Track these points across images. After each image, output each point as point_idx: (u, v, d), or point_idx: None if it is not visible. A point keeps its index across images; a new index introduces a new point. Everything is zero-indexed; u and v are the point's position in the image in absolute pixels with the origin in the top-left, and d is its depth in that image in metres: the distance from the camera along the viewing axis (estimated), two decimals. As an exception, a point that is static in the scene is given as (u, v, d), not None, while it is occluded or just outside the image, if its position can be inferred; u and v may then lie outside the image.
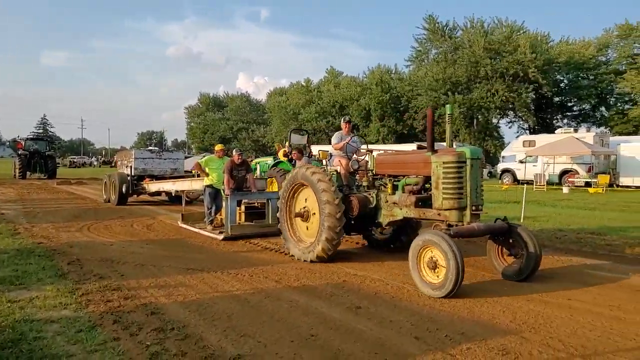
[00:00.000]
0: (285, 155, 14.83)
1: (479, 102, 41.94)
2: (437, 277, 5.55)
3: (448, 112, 6.32)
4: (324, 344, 4.21)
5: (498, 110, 44.34)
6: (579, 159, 26.71)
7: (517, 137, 39.78)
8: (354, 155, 8.26)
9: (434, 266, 5.56)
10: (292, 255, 7.75)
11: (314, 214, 7.55)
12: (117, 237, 9.92)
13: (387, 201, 7.03)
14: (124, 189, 16.08)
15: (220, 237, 9.46)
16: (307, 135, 16.43)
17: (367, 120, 50.06)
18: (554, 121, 47.66)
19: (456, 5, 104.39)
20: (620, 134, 39.22)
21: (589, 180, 25.00)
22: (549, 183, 26.62)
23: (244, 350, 4.03)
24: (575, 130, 30.99)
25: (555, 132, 32.08)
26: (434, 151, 6.28)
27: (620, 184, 25.19)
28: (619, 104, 45.72)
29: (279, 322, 4.76)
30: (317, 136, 53.34)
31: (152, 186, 16.22)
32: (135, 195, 16.93)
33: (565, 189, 23.75)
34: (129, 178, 16.34)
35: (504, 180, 30.01)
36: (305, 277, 6.61)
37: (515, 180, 29.27)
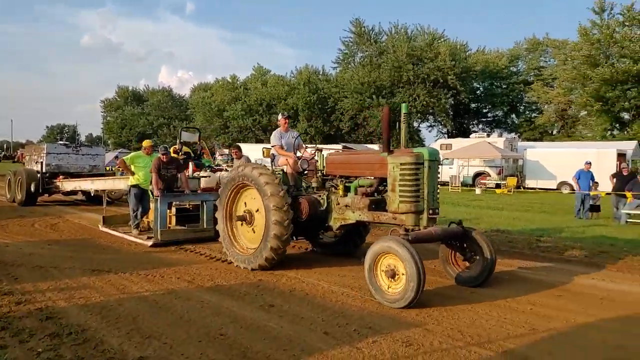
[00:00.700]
0: (175, 152, 14.58)
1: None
2: (397, 286, 5.21)
3: (404, 111, 6.07)
4: (233, 342, 4.16)
5: (419, 115, 46.16)
6: (491, 162, 28.40)
7: (436, 140, 41.69)
8: (299, 154, 7.75)
9: (392, 274, 5.21)
10: (231, 263, 7.13)
11: (259, 217, 6.94)
12: (14, 238, 9.23)
13: (338, 203, 6.60)
14: (32, 188, 14.49)
15: (149, 243, 8.59)
16: (199, 134, 16.10)
17: (294, 120, 49.99)
18: (470, 126, 50.40)
19: (382, 11, 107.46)
20: (528, 139, 42.20)
21: (499, 182, 26.68)
22: (464, 184, 28.10)
23: (147, 353, 3.89)
24: (488, 135, 33.02)
25: (470, 136, 33.91)
26: (390, 151, 5.92)
27: (526, 186, 27.07)
28: (527, 112, 49.28)
29: (188, 323, 4.65)
30: (244, 134, 52.66)
31: (67, 184, 14.67)
32: (47, 195, 15.37)
33: (477, 190, 25.20)
34: (39, 175, 14.78)
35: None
36: (219, 277, 6.50)
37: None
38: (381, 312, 5.09)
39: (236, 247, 7.21)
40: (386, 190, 6.07)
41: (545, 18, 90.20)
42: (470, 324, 4.74)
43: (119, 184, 12.14)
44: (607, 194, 14.83)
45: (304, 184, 7.41)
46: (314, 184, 7.12)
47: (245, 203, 7.26)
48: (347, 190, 6.62)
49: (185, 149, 14.53)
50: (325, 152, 7.32)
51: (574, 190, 14.91)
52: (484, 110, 51.46)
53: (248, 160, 9.88)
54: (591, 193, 14.31)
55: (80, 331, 4.32)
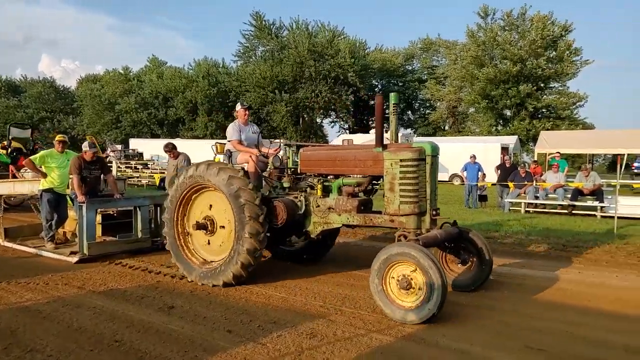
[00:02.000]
0: (3, 148, 13.54)
1: (304, 102, 43.87)
2: (411, 298, 4.58)
3: (393, 102, 5.57)
4: (129, 348, 3.93)
5: (322, 111, 46.97)
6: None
7: (338, 136, 42.68)
8: (262, 149, 6.76)
9: (406, 285, 4.57)
10: (185, 278, 6.09)
11: (222, 225, 6.01)
12: None
13: (318, 206, 5.82)
14: None
15: (74, 259, 7.10)
16: (30, 130, 15.03)
17: (193, 114, 48.56)
18: (370, 122, 52.26)
19: (282, 6, 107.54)
20: (423, 135, 44.75)
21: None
22: (364, 178, 29.07)
23: (29, 367, 3.54)
24: (386, 131, 34.34)
25: (370, 132, 35.18)
26: (384, 146, 5.32)
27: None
28: (422, 109, 52.23)
29: (78, 332, 4.31)
30: (138, 129, 50.01)
31: None
32: None
33: (377, 184, 26.18)
34: None
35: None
36: (113, 281, 6.10)
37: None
38: (285, 306, 5.09)
39: (191, 259, 6.14)
40: (373, 190, 5.71)
41: (437, 19, 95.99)
42: (372, 312, 4.88)
43: (20, 187, 10.09)
44: (493, 184, 16.16)
45: (267, 185, 6.54)
46: (286, 184, 6.27)
47: (205, 208, 6.17)
48: (325, 190, 5.92)
49: (15, 144, 13.58)
50: (287, 148, 6.65)
51: (463, 181, 16.03)
52: (383, 107, 53.59)
53: (187, 158, 9.07)
54: (478, 184, 15.48)
55: (-54, 350, 3.83)
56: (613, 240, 8.40)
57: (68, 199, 7.96)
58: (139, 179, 24.23)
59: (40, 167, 7.82)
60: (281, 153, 6.75)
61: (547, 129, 31.55)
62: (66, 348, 3.91)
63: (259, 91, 44.06)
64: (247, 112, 6.88)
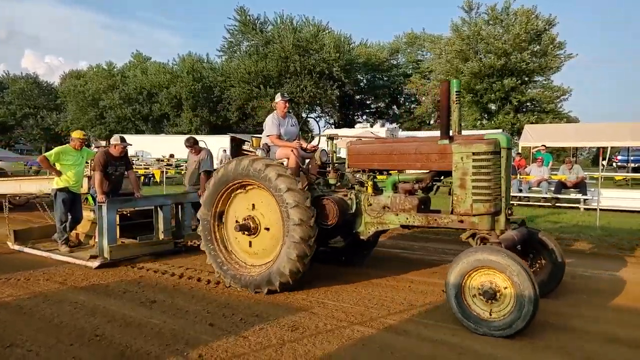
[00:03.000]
0: None
1: (290, 97, 43.71)
2: (499, 310, 4.08)
3: (456, 89, 5.01)
4: (110, 343, 3.93)
5: (307, 105, 46.86)
6: (375, 151, 29.71)
7: (324, 130, 42.67)
8: (302, 144, 6.25)
9: (491, 296, 4.08)
10: (230, 285, 5.54)
11: (267, 227, 5.48)
12: None
13: (370, 204, 5.35)
14: None
15: (95, 264, 6.50)
16: None
17: (178, 110, 48.14)
18: (355, 117, 52.31)
19: (267, 0, 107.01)
20: (408, 129, 44.92)
21: (382, 169, 28.03)
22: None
23: (8, 363, 3.52)
24: (372, 126, 34.58)
25: (355, 127, 35.24)
26: (450, 138, 4.83)
27: (407, 173, 28.76)
28: (407, 103, 52.40)
29: (58, 327, 4.29)
30: (123, 125, 49.48)
31: None
32: None
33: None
34: None
35: (311, 171, 31.92)
36: (95, 277, 6.06)
37: (321, 170, 31.35)
38: (268, 299, 5.11)
39: (229, 263, 5.63)
40: (432, 187, 5.22)
41: (421, 14, 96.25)
42: (354, 304, 4.94)
43: (27, 186, 9.48)
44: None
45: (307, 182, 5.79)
46: (332, 181, 5.78)
47: (247, 207, 5.64)
48: (376, 187, 5.49)
49: None
50: (337, 141, 6.04)
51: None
52: (368, 102, 53.70)
53: (210, 154, 8.41)
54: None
55: None
56: (595, 232, 8.57)
57: (90, 197, 7.37)
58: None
59: (54, 164, 7.30)
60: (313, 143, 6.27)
61: (532, 123, 31.87)
62: (46, 343, 3.90)
63: (244, 86, 43.81)
64: (287, 104, 6.40)
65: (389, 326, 4.32)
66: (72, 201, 7.39)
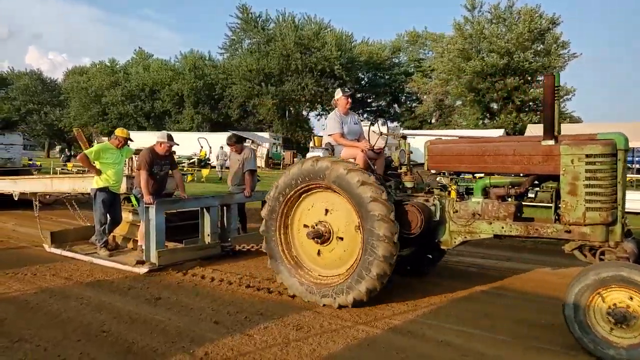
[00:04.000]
0: None
1: (291, 95, 43.74)
2: (634, 335, 3.60)
3: (557, 84, 4.44)
4: (117, 339, 3.97)
5: (308, 103, 46.88)
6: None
7: (324, 129, 42.70)
8: (376, 141, 5.61)
9: (623, 318, 3.61)
10: (293, 295, 5.12)
11: (340, 236, 5.00)
12: None
13: (456, 211, 4.83)
14: None
15: (142, 269, 6.09)
16: None
17: (180, 107, 48.24)
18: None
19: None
20: (409, 128, 44.89)
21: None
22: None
23: (16, 357, 3.58)
24: (372, 124, 34.44)
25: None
26: (555, 138, 4.32)
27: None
28: (408, 102, 52.35)
29: (65, 322, 4.33)
30: (125, 121, 49.52)
31: None
32: None
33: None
34: None
35: (313, 169, 32.01)
36: (100, 272, 6.11)
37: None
38: (272, 298, 5.14)
39: (298, 272, 5.18)
40: (525, 193, 4.72)
41: (424, 12, 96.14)
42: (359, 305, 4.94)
43: (59, 184, 8.91)
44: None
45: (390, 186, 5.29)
46: (408, 184, 5.29)
47: (318, 212, 5.14)
48: (459, 192, 4.97)
49: None
50: (411, 140, 5.48)
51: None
52: (369, 100, 53.67)
53: (253, 152, 8.02)
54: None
55: None
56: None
57: (133, 198, 6.94)
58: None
59: (94, 163, 6.92)
60: (381, 143, 5.66)
61: (535, 123, 31.84)
62: (54, 338, 3.94)
63: (245, 84, 43.83)
64: (349, 101, 5.87)
65: (394, 327, 4.33)
66: (112, 202, 7.03)
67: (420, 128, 44.73)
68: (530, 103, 37.69)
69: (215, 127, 44.64)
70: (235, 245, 6.93)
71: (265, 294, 5.23)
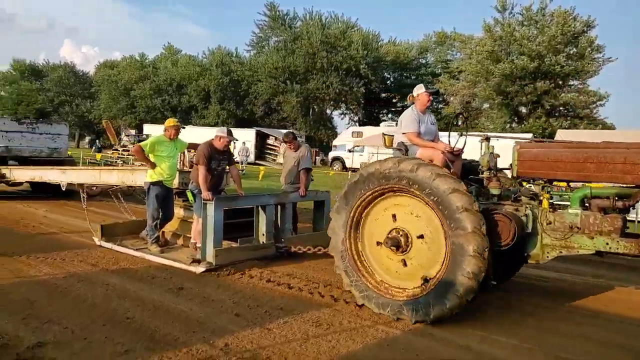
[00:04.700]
0: None
1: (315, 93, 43.83)
2: None
3: None
4: (140, 326, 4.06)
5: (332, 102, 46.90)
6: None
7: (348, 128, 42.65)
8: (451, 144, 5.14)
9: None
10: (362, 304, 4.72)
11: (419, 246, 4.53)
12: None
13: (550, 222, 4.40)
14: None
15: (199, 269, 5.85)
16: None
17: (206, 102, 48.82)
18: (380, 115, 52.08)
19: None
20: (434, 129, 44.53)
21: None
22: (374, 171, 29.08)
23: (46, 338, 3.70)
24: (397, 124, 34.33)
25: (380, 125, 35.12)
26: None
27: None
28: (435, 103, 51.84)
29: (92, 307, 4.46)
30: (152, 114, 50.39)
31: (21, 174, 11.07)
32: None
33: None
34: None
35: (334, 168, 32.04)
36: (125, 260, 6.25)
37: (344, 167, 31.39)
38: (292, 294, 5.17)
39: (368, 280, 4.77)
40: (629, 207, 4.30)
41: (453, 13, 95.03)
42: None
43: (107, 176, 8.85)
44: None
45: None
46: (495, 191, 4.77)
47: (390, 216, 4.70)
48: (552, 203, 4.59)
49: None
50: (494, 142, 5.03)
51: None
52: (394, 100, 53.35)
53: (309, 150, 7.58)
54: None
55: (-32, 318, 4.00)
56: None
57: (189, 194, 6.65)
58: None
59: (148, 155, 6.71)
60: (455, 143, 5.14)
61: (565, 128, 31.16)
62: (81, 322, 4.06)
63: (271, 81, 44.09)
64: (430, 99, 5.42)
65: (415, 328, 4.30)
66: (165, 196, 6.80)
67: (447, 130, 44.17)
68: (561, 108, 36.92)
69: (240, 123, 45.01)
70: (290, 247, 6.54)
71: (285, 289, 5.27)
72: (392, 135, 5.67)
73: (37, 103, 61.24)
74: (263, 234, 6.58)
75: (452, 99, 46.98)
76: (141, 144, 6.90)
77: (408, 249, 4.57)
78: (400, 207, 4.66)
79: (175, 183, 7.02)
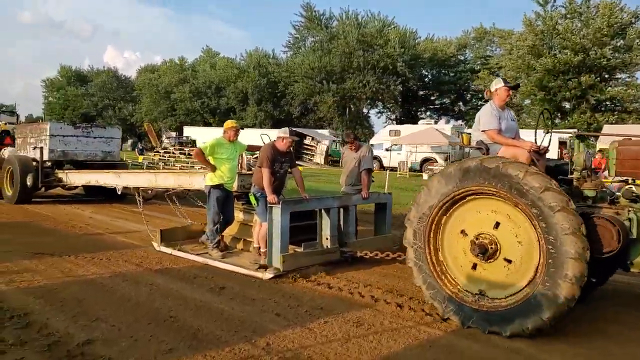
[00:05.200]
0: None
1: (352, 92, 43.75)
2: None
3: None
4: (183, 324, 4.13)
5: (369, 101, 46.72)
6: (438, 149, 29.17)
7: (385, 126, 42.35)
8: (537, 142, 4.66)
9: None
10: (446, 317, 4.36)
11: (508, 258, 4.17)
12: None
13: None
14: (29, 181, 11.14)
15: (267, 275, 5.65)
16: (16, 117, 17.83)
17: (244, 104, 49.58)
18: (418, 113, 51.49)
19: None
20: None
21: (446, 168, 27.57)
22: (412, 170, 28.75)
23: (94, 335, 3.80)
24: (436, 122, 33.91)
25: (418, 123, 34.70)
26: None
27: (471, 172, 28.03)
28: (474, 100, 50.85)
29: (137, 306, 4.56)
30: (192, 117, 51.55)
31: (77, 178, 11.20)
32: (44, 189, 11.86)
33: (425, 176, 25.83)
34: (36, 165, 11.30)
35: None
36: (168, 260, 6.38)
37: (382, 167, 31.15)
38: (332, 294, 5.15)
39: (445, 285, 4.46)
40: None
41: (492, 8, 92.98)
42: (419, 304, 4.80)
43: (163, 180, 8.57)
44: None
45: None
46: (589, 193, 4.37)
47: (482, 223, 4.33)
48: None
49: (3, 126, 14.98)
50: (574, 141, 4.71)
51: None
52: (432, 98, 52.66)
53: (371, 150, 7.36)
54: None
55: (23, 315, 4.17)
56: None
57: (252, 197, 6.21)
58: (192, 165, 25.03)
59: (208, 158, 6.55)
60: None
61: (611, 123, 29.95)
62: (126, 320, 4.16)
63: (307, 81, 44.30)
64: (509, 93, 5.03)
65: (456, 329, 4.22)
66: (225, 200, 6.63)
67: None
68: (607, 102, 35.52)
69: (277, 123, 45.43)
70: (356, 251, 6.30)
71: (325, 289, 5.26)
72: (469, 134, 5.30)
73: (83, 108, 63.84)
74: (327, 238, 6.30)
75: (491, 95, 45.80)
76: (201, 146, 6.77)
77: (497, 257, 4.23)
78: (486, 212, 4.32)
79: (235, 186, 6.86)
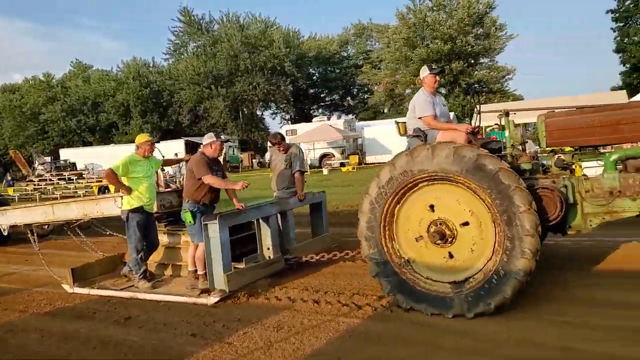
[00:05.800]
0: None
1: (242, 95, 43.28)
2: None
3: None
4: (88, 366, 3.69)
5: (261, 103, 46.53)
6: (334, 144, 29.93)
7: (281, 127, 42.47)
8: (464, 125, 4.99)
9: None
10: (408, 307, 4.31)
11: (466, 235, 4.23)
12: None
13: (587, 190, 4.25)
14: None
15: (211, 299, 5.06)
16: None
17: (126, 117, 46.69)
18: (311, 111, 52.35)
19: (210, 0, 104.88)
20: (364, 119, 45.30)
21: (343, 161, 28.31)
22: (311, 167, 29.11)
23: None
24: (328, 119, 34.74)
25: (312, 120, 35.25)
26: None
27: (367, 162, 29.07)
28: (361, 94, 52.84)
29: (34, 355, 4.03)
30: (68, 138, 47.44)
31: None
32: None
33: (325, 171, 26.30)
34: None
35: (272, 168, 31.87)
36: (60, 299, 5.70)
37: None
38: (248, 302, 4.97)
39: (411, 279, 4.39)
40: None
41: (367, 4, 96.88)
42: (335, 296, 4.84)
43: (64, 212, 6.65)
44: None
45: None
46: (526, 166, 4.54)
47: (427, 208, 4.37)
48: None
49: None
50: (502, 118, 4.84)
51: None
52: (322, 95, 53.86)
53: (301, 150, 7.00)
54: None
55: None
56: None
57: (187, 215, 5.46)
58: (75, 190, 22.99)
59: (122, 178, 5.77)
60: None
61: (482, 103, 32.59)
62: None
63: (194, 88, 43.03)
64: (437, 79, 5.18)
65: (373, 315, 4.29)
66: (147, 224, 5.87)
67: (374, 118, 45.15)
68: (476, 85, 38.77)
69: (166, 135, 43.53)
70: (301, 257, 6.05)
71: (239, 299, 5.04)
72: (404, 122, 5.29)
73: None
74: (269, 248, 5.88)
75: (376, 88, 47.98)
76: (112, 166, 5.80)
77: (454, 241, 4.28)
78: (431, 199, 4.36)
79: (155, 207, 6.14)
